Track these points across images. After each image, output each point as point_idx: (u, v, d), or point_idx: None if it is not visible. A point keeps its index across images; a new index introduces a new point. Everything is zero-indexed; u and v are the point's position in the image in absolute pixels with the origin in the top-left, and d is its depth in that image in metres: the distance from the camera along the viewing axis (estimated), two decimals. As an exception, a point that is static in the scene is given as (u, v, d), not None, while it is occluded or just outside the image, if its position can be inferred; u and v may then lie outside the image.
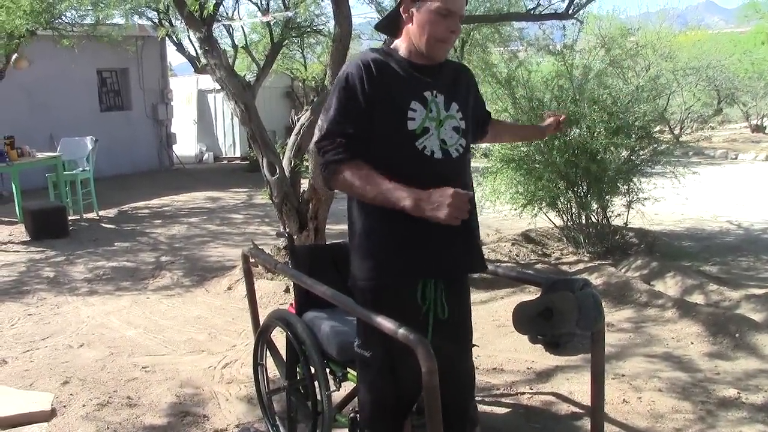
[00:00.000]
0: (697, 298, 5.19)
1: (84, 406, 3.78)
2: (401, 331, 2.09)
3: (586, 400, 3.33)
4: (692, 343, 4.42)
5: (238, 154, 16.29)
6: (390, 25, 2.39)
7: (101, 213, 9.68)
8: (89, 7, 9.69)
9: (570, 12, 6.49)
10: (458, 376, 2.42)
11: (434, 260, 2.25)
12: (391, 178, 2.16)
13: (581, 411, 3.56)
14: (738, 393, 3.67)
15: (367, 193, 2.18)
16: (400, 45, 2.34)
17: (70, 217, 8.92)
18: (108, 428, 3.54)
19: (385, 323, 2.17)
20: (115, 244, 8.03)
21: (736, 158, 14.69)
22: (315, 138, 2.54)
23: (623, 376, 3.96)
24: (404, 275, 2.28)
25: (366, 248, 2.30)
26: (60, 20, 9.75)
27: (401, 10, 2.30)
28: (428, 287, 2.32)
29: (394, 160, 2.23)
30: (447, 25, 2.22)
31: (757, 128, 18.71)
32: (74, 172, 9.43)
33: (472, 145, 2.67)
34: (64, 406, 3.79)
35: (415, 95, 2.25)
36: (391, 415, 2.40)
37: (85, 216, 9.43)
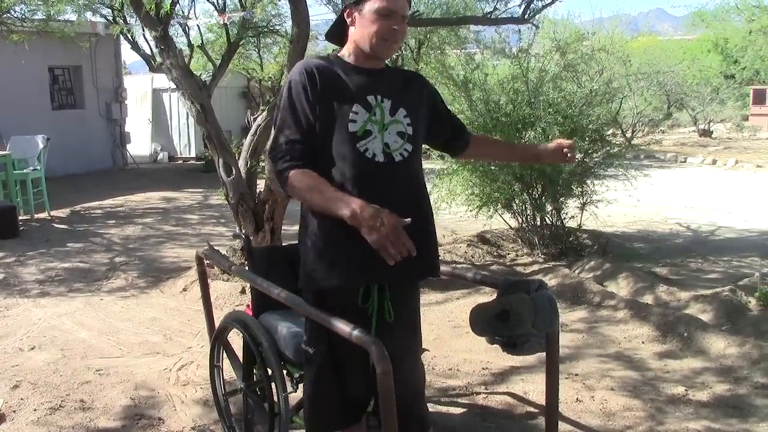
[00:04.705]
0: (648, 299, 5.30)
1: (35, 410, 3.70)
2: (355, 333, 2.10)
3: (541, 399, 3.39)
4: (643, 343, 4.53)
5: (193, 154, 16.14)
6: (338, 33, 2.45)
7: (53, 213, 9.48)
8: (39, 2, 9.48)
9: (526, 17, 6.58)
10: (404, 378, 2.39)
11: (379, 265, 2.14)
12: (336, 180, 2.24)
13: (536, 410, 3.61)
14: (686, 390, 3.78)
15: (313, 200, 2.24)
16: (346, 51, 2.41)
17: (20, 217, 8.71)
18: (60, 433, 3.48)
19: (339, 325, 2.18)
20: (68, 244, 7.87)
21: (685, 161, 15.05)
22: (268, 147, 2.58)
23: (576, 375, 4.03)
24: (347, 278, 2.30)
25: (312, 250, 2.34)
26: (8, 15, 9.52)
27: (345, 15, 2.37)
28: (372, 290, 2.35)
29: (338, 161, 2.28)
30: (389, 24, 2.28)
31: (705, 133, 19.22)
32: (25, 171, 9.20)
33: (426, 147, 2.71)
34: (14, 411, 3.71)
35: (357, 99, 2.31)
36: (339, 416, 2.43)
37: (36, 216, 9.22)
